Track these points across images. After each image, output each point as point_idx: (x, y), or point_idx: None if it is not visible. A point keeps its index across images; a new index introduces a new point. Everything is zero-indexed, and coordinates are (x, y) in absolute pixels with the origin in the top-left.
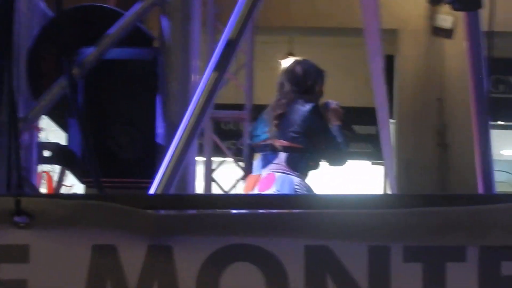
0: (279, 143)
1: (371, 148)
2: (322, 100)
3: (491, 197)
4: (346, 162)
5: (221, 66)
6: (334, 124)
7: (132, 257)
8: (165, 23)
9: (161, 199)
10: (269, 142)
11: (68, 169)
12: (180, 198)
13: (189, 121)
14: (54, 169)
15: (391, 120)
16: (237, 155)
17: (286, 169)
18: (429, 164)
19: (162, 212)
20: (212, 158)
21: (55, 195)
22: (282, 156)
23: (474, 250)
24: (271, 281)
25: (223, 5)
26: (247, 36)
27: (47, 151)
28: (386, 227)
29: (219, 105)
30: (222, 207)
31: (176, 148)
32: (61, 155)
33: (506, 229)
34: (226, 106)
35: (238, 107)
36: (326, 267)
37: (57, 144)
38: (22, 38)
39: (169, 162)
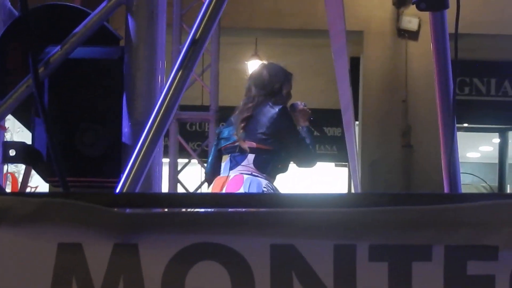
0: (247, 144)
1: (335, 150)
2: (289, 101)
3: (457, 196)
4: (316, 163)
5: (187, 65)
6: (302, 125)
7: (98, 255)
8: (131, 21)
9: (126, 198)
10: (237, 144)
11: (33, 168)
12: (145, 196)
13: (155, 120)
14: (19, 171)
15: (356, 122)
16: (202, 156)
17: (254, 170)
18: (394, 165)
19: (128, 210)
20: (178, 160)
21: (20, 193)
22: (251, 157)
23: (440, 249)
24: (237, 280)
25: (188, 6)
26: (213, 37)
27: (12, 150)
28: (352, 226)
29: (185, 106)
30: (187, 205)
31: (142, 147)
32: (26, 154)
33: (472, 228)
34: (192, 108)
35: (204, 108)
36: (292, 266)
37: (22, 143)
38: None
39: (135, 161)
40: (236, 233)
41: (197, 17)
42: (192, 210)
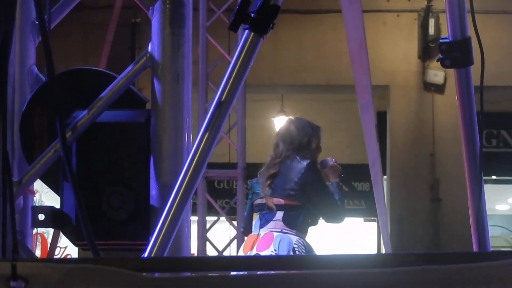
0: (275, 201)
1: (364, 205)
2: (319, 157)
3: (485, 255)
4: (344, 219)
5: (214, 127)
6: (332, 181)
7: None
8: (156, 84)
9: (155, 262)
10: (264, 201)
11: (62, 232)
12: (174, 260)
13: (183, 182)
14: (48, 231)
15: (384, 176)
16: (231, 214)
17: (284, 227)
18: (422, 219)
19: (157, 275)
20: (206, 218)
21: (50, 259)
22: (279, 214)
23: None
24: None
25: (214, 64)
26: (239, 94)
27: (41, 214)
28: (385, 286)
29: (212, 164)
30: (217, 269)
31: (170, 209)
32: (55, 218)
33: (503, 285)
34: (219, 165)
35: (231, 166)
36: None
37: (51, 208)
38: (15, 103)
39: (163, 224)
40: None
41: (223, 78)
42: (222, 273)
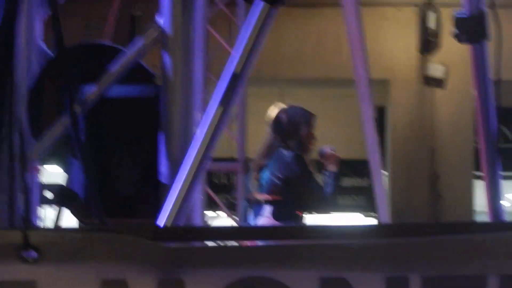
0: (262, 196)
1: (363, 200)
2: (316, 146)
3: (506, 225)
4: (331, 210)
5: (228, 100)
6: (330, 170)
7: None
8: (166, 58)
9: (171, 231)
10: (253, 195)
11: (70, 210)
12: (191, 229)
13: (194, 158)
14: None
15: (384, 172)
16: (231, 208)
17: (273, 221)
18: (423, 213)
19: (172, 244)
20: (206, 212)
21: (63, 228)
22: (268, 208)
23: (496, 279)
24: None
25: (213, 55)
26: None
27: (49, 192)
28: (404, 257)
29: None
30: (235, 238)
31: (183, 180)
32: (63, 196)
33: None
34: (219, 160)
35: (231, 161)
36: None
37: (58, 185)
38: (22, 78)
39: (177, 195)
40: (285, 267)
41: (237, 49)
42: (239, 243)
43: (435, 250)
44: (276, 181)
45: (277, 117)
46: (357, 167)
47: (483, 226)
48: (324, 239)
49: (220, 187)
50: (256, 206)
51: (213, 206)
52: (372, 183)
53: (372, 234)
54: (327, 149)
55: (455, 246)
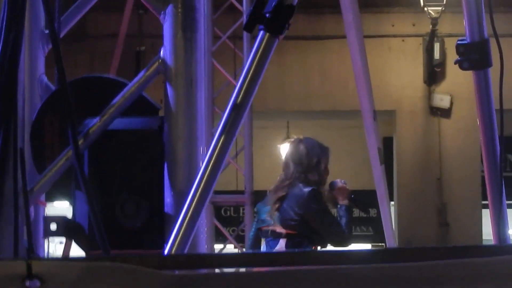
0: (279, 229)
1: (371, 231)
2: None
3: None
4: (350, 243)
5: (230, 130)
6: (341, 204)
7: None
8: (169, 90)
9: (175, 259)
10: (271, 228)
11: (75, 242)
12: (195, 257)
13: (199, 184)
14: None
15: (391, 202)
16: (238, 241)
17: None
18: (430, 243)
19: (177, 272)
20: (214, 245)
21: (66, 258)
22: (283, 242)
23: None
24: None
25: (220, 90)
26: (245, 119)
27: (53, 224)
28: (410, 281)
29: (219, 191)
30: (239, 265)
31: (188, 210)
32: (67, 228)
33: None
34: (226, 193)
35: (238, 193)
36: None
37: (63, 217)
38: (25, 112)
39: (181, 224)
40: None
41: (238, 80)
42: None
43: (441, 274)
44: (294, 216)
45: (297, 148)
46: (364, 197)
47: (489, 249)
48: (331, 264)
49: (228, 219)
50: (272, 240)
51: (221, 238)
52: (380, 212)
53: (377, 259)
54: (338, 182)
55: (461, 269)
